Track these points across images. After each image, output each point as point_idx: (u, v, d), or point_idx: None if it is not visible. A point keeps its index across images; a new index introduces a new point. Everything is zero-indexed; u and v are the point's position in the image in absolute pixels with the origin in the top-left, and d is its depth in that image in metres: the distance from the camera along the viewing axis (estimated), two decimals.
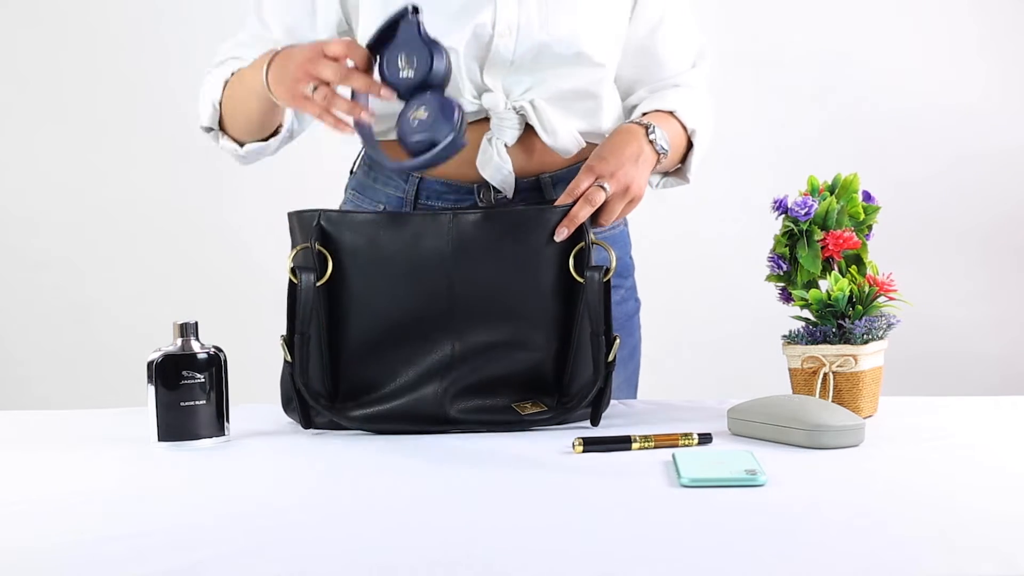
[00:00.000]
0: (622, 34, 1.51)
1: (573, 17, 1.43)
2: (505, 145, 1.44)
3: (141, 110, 3.14)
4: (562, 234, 1.29)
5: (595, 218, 1.34)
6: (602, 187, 1.32)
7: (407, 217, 1.32)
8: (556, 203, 1.32)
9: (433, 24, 1.40)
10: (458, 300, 1.30)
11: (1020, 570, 0.76)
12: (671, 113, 1.48)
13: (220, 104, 1.45)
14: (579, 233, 1.31)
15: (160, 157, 3.14)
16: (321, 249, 1.30)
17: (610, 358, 1.29)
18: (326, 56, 1.24)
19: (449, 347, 1.30)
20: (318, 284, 1.30)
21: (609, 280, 1.30)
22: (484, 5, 1.40)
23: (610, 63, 1.49)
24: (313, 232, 1.30)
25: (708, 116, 1.53)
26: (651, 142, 1.40)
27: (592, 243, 1.31)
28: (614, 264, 1.31)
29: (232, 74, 1.44)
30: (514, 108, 1.44)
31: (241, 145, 1.49)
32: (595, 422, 1.32)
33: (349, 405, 1.31)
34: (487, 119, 1.45)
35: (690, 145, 1.51)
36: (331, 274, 1.31)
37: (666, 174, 1.56)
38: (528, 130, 1.45)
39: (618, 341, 1.30)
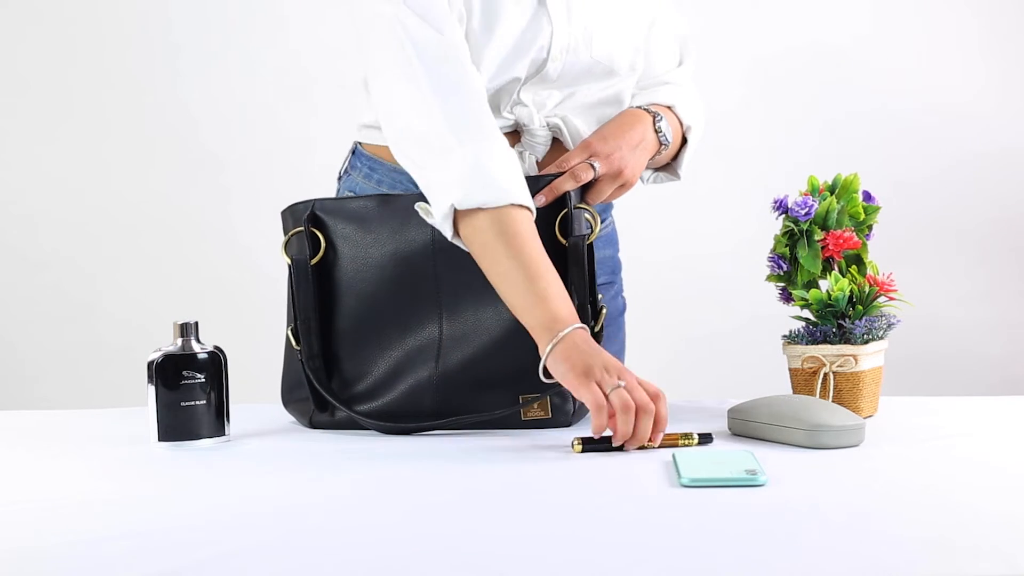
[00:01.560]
0: (643, 43, 1.51)
1: (612, 36, 1.43)
2: (536, 160, 1.43)
3: (143, 109, 3.14)
4: (539, 201, 1.28)
5: (583, 196, 1.33)
6: (592, 165, 1.32)
7: (395, 198, 1.33)
8: (542, 172, 1.32)
9: (497, 53, 1.35)
10: (443, 279, 1.30)
11: (1020, 570, 0.76)
12: (670, 108, 1.48)
13: (457, 232, 1.29)
14: (562, 200, 1.30)
15: (161, 157, 3.14)
16: (314, 231, 1.32)
17: (596, 328, 1.28)
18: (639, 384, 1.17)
19: (436, 327, 1.30)
20: (312, 263, 1.31)
21: (592, 247, 1.29)
22: (542, 29, 1.38)
23: (636, 72, 1.48)
24: (306, 218, 1.32)
25: (700, 114, 1.53)
26: (657, 131, 1.40)
27: (575, 208, 1.29)
28: (598, 229, 1.30)
29: (498, 207, 1.25)
30: (547, 124, 1.41)
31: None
32: None
33: (348, 395, 1.31)
34: (517, 131, 1.44)
35: (683, 141, 1.51)
36: (325, 260, 1.32)
37: (658, 170, 1.55)
38: (555, 143, 1.45)
39: (604, 311, 1.29)
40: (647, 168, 1.54)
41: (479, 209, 1.24)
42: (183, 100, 3.14)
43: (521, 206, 1.25)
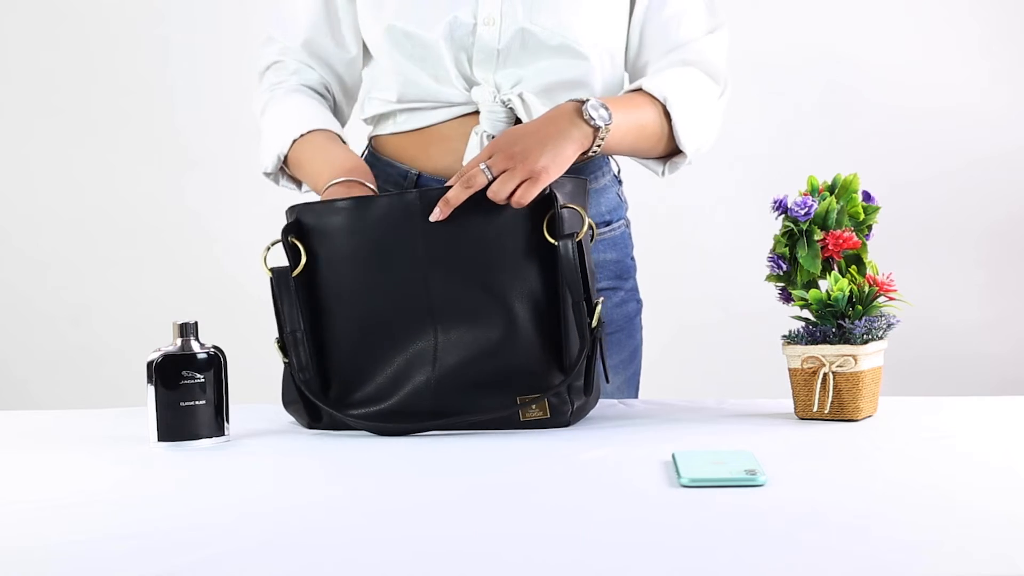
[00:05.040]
0: (620, 22, 1.49)
1: (557, 6, 1.43)
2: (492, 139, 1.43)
3: (140, 110, 3.14)
4: (434, 215, 1.26)
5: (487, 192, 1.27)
6: (483, 170, 1.27)
7: (374, 200, 1.31)
8: (448, 182, 1.29)
9: (411, 15, 1.41)
10: (432, 280, 1.29)
11: (1020, 570, 0.76)
12: (638, 90, 1.44)
13: (286, 159, 1.50)
14: (548, 201, 1.28)
15: (159, 157, 3.14)
16: (294, 242, 1.31)
17: (593, 323, 1.27)
18: None
19: (431, 332, 1.30)
20: (293, 275, 1.30)
21: (581, 243, 1.28)
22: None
23: (600, 53, 1.46)
24: (288, 226, 1.32)
25: (690, 83, 1.46)
26: (584, 120, 1.33)
27: (562, 207, 1.28)
28: (586, 227, 1.28)
29: (300, 136, 1.47)
30: (503, 102, 1.43)
31: (300, 185, 1.55)
32: (588, 391, 1.30)
33: (346, 402, 1.31)
34: (477, 112, 1.45)
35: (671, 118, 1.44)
36: (310, 267, 1.31)
37: (664, 159, 1.51)
38: (517, 124, 1.44)
39: (600, 307, 1.28)
40: (654, 160, 1.51)
41: (287, 159, 1.49)
42: (184, 99, 3.14)
43: (303, 135, 1.47)
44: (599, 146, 1.36)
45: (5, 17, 3.14)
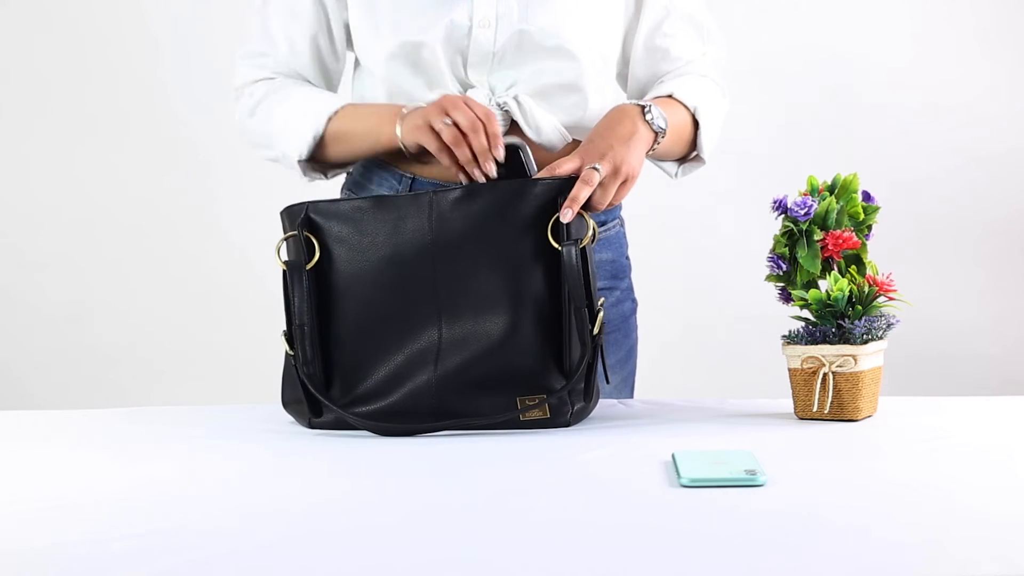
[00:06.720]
0: (614, 28, 1.51)
1: (554, 8, 1.43)
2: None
3: (141, 109, 3.14)
4: (566, 216, 1.27)
5: (589, 202, 1.31)
6: (595, 168, 1.30)
7: (389, 200, 1.32)
8: (536, 176, 1.31)
9: (406, 18, 1.41)
10: (441, 280, 1.30)
11: (1020, 570, 0.76)
12: (669, 96, 1.47)
13: (323, 138, 1.47)
14: (554, 205, 1.29)
15: (164, 156, 3.14)
16: (308, 236, 1.32)
17: (595, 331, 1.28)
18: (467, 106, 1.32)
19: (436, 331, 1.30)
20: (307, 267, 1.31)
21: (585, 249, 1.28)
22: (459, 0, 1.42)
23: (593, 56, 1.47)
24: (300, 221, 1.32)
25: (711, 94, 1.52)
26: (647, 122, 1.38)
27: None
28: (591, 232, 1.29)
29: (336, 111, 1.46)
30: (498, 104, 1.44)
31: (326, 176, 1.54)
32: (588, 396, 1.31)
33: (347, 399, 1.31)
34: None
35: (697, 125, 1.50)
36: (321, 263, 1.32)
37: (683, 161, 1.54)
38: (513, 126, 1.45)
39: (602, 314, 1.28)
40: (671, 161, 1.53)
41: (314, 144, 1.46)
42: (183, 99, 3.14)
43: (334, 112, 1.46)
44: (653, 151, 1.41)
45: (5, 17, 3.14)
